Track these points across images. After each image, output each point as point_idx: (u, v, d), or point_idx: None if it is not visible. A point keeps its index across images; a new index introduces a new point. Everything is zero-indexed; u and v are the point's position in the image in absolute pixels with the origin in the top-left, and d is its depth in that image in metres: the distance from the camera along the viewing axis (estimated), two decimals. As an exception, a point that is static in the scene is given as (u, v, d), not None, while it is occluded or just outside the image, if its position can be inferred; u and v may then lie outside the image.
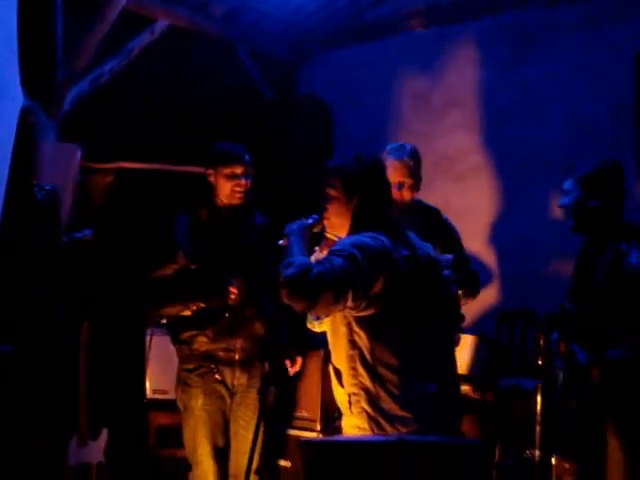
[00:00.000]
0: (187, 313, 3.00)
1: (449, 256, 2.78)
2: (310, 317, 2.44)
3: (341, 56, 5.48)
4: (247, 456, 2.63)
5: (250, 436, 2.72)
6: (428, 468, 1.80)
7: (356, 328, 2.19)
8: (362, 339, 2.18)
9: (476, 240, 4.52)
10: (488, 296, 4.37)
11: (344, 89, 5.36)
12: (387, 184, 2.39)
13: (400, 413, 2.14)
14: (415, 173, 3.24)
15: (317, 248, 2.39)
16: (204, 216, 3.10)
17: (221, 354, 3.00)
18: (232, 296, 2.94)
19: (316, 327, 2.46)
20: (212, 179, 3.07)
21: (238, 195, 3.04)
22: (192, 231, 3.06)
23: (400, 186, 3.15)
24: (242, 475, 2.75)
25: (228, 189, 3.03)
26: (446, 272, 2.42)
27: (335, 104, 5.20)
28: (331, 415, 3.60)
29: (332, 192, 2.31)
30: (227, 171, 3.03)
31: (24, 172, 3.49)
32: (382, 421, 2.15)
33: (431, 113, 5.06)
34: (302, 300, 2.05)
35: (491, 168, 4.80)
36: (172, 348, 3.13)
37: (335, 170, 2.34)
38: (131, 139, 4.38)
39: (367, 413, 2.18)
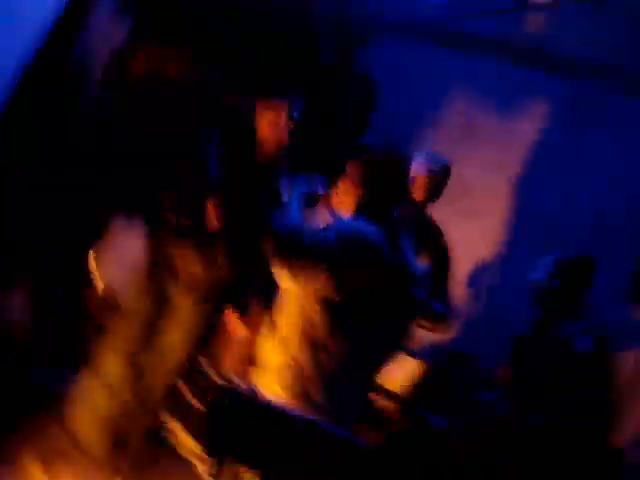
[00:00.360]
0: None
1: (424, 267, 2.66)
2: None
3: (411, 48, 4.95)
4: None
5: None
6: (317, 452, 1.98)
7: (315, 304, 2.18)
8: (316, 315, 2.18)
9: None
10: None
11: (403, 79, 4.89)
12: (405, 186, 2.43)
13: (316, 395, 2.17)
14: (438, 189, 3.17)
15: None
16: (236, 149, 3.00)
17: None
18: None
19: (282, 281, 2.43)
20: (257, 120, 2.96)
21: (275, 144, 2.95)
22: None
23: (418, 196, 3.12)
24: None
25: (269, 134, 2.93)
26: (417, 291, 2.39)
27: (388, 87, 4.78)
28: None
29: (351, 172, 2.30)
30: (271, 117, 2.93)
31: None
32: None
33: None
34: (283, 260, 2.13)
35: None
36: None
37: (361, 153, 2.35)
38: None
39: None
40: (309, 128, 3.19)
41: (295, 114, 2.95)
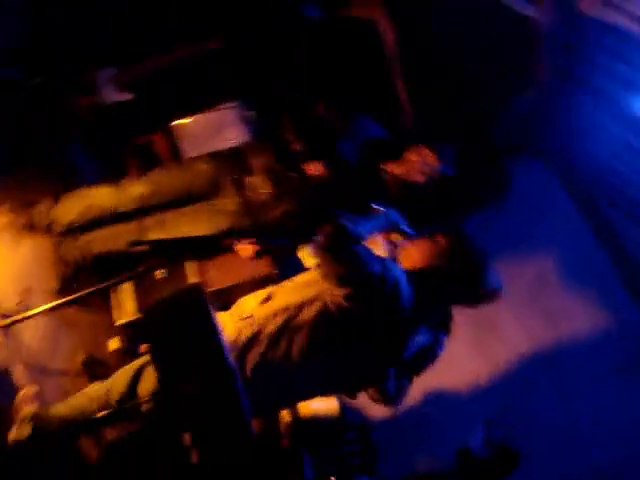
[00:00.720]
0: None
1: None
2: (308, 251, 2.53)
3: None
4: None
5: None
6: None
7: (317, 301, 2.24)
8: (309, 309, 2.25)
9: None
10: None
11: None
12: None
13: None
14: None
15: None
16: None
17: None
18: None
19: (306, 260, 2.49)
20: None
21: None
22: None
23: None
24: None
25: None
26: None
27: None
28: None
29: (437, 238, 2.33)
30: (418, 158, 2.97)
31: None
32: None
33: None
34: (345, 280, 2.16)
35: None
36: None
37: (455, 232, 2.36)
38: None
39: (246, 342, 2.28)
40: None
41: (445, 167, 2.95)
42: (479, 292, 2.34)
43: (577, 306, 4.34)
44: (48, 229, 3.09)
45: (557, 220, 4.66)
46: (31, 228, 3.10)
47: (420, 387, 3.82)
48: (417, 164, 2.91)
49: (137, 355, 2.77)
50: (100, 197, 3.02)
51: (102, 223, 3.03)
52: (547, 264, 4.51)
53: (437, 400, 4.12)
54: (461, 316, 2.67)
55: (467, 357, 4.24)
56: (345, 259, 2.11)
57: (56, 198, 3.13)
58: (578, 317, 4.31)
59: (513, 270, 4.19)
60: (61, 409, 2.52)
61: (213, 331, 1.94)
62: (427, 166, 2.90)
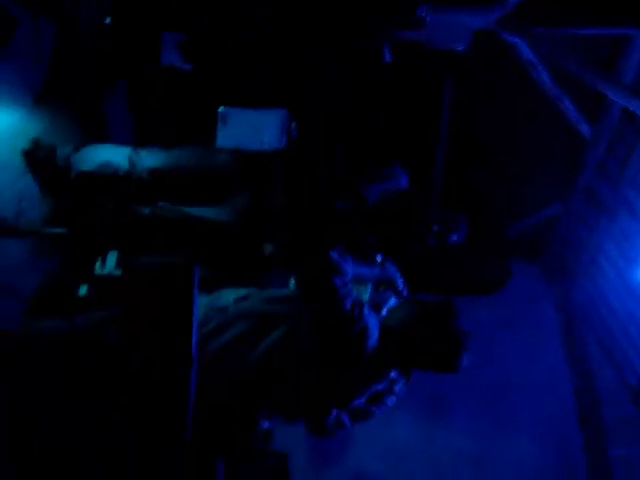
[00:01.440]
0: None
1: None
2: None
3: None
4: None
5: None
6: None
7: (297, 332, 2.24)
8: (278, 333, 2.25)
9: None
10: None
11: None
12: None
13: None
14: None
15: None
16: None
17: None
18: None
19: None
20: None
21: None
22: None
23: None
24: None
25: None
26: None
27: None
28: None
29: (428, 306, 2.32)
30: None
31: None
32: None
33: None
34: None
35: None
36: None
37: (447, 304, 2.33)
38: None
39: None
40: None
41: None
42: (449, 366, 2.35)
43: (526, 427, 4.35)
44: (62, 170, 3.09)
45: (535, 332, 4.68)
46: (46, 163, 3.10)
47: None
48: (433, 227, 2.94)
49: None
50: (118, 158, 3.03)
51: (113, 182, 3.04)
52: (512, 370, 4.52)
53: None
54: (413, 388, 2.65)
55: (405, 428, 4.25)
56: (322, 289, 2.16)
57: (80, 144, 3.14)
58: (522, 439, 4.32)
59: (478, 361, 4.22)
60: None
61: (189, 316, 1.94)
62: (441, 231, 2.93)
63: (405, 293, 2.51)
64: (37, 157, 3.06)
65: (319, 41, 3.50)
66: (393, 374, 2.45)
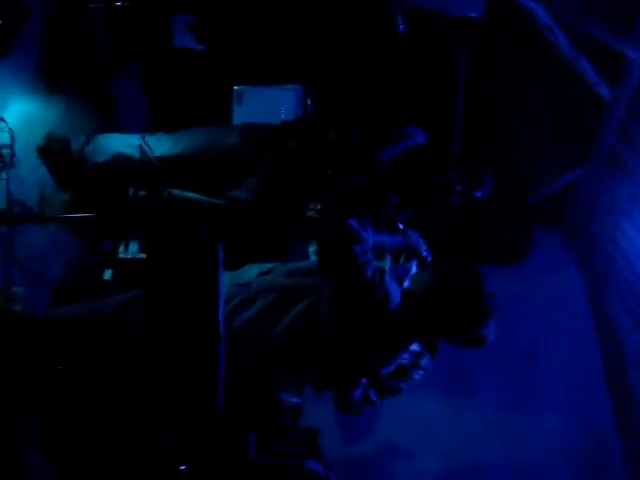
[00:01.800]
0: None
1: None
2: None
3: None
4: None
5: None
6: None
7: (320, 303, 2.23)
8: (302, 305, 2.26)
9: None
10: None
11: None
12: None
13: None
14: None
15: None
16: None
17: None
18: None
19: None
20: None
21: None
22: None
23: None
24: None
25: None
26: None
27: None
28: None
29: (453, 271, 2.30)
30: None
31: None
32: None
33: None
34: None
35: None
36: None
37: (472, 271, 2.31)
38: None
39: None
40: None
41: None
42: (474, 335, 2.32)
43: (554, 396, 4.32)
44: (77, 163, 3.10)
45: (561, 297, 4.63)
46: (60, 157, 3.10)
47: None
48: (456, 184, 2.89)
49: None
50: (129, 148, 3.03)
51: (128, 172, 3.05)
52: (537, 340, 4.48)
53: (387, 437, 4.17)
54: (439, 364, 2.63)
55: (432, 404, 4.26)
56: (342, 258, 2.15)
57: (92, 136, 3.14)
58: (550, 409, 4.29)
59: (503, 333, 4.19)
60: None
61: (215, 292, 1.95)
62: (464, 188, 2.88)
63: (430, 259, 2.49)
64: (52, 151, 3.06)
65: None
66: (417, 347, 2.44)
